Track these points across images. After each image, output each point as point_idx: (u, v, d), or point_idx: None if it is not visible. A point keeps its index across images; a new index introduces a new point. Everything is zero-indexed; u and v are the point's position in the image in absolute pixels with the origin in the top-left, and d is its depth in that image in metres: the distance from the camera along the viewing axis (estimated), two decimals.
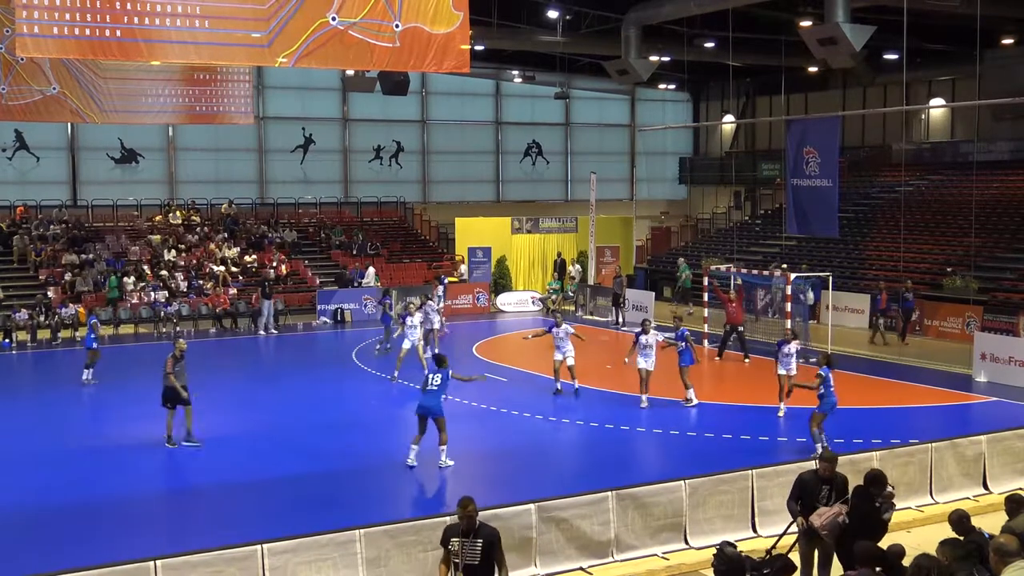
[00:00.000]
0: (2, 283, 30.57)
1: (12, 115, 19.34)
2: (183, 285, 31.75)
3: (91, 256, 32.27)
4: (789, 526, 9.98)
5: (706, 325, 25.87)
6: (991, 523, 9.52)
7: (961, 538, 8.17)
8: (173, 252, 33.72)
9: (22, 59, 17.30)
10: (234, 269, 33.40)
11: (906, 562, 7.74)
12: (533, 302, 34.39)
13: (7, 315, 27.37)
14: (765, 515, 12.15)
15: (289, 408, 19.04)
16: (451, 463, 14.50)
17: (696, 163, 48.62)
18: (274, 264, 33.79)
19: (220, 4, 11.19)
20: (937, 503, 13.21)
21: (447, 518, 10.47)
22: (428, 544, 10.08)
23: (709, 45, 33.71)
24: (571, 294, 33.76)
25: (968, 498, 13.45)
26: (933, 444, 13.62)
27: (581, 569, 11.17)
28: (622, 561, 11.36)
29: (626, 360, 19.14)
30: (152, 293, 30.69)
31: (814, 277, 26.82)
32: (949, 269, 28.93)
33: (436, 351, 20.07)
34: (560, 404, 18.97)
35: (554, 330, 19.78)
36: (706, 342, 24.95)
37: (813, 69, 36.95)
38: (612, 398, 19.46)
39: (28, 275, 31.85)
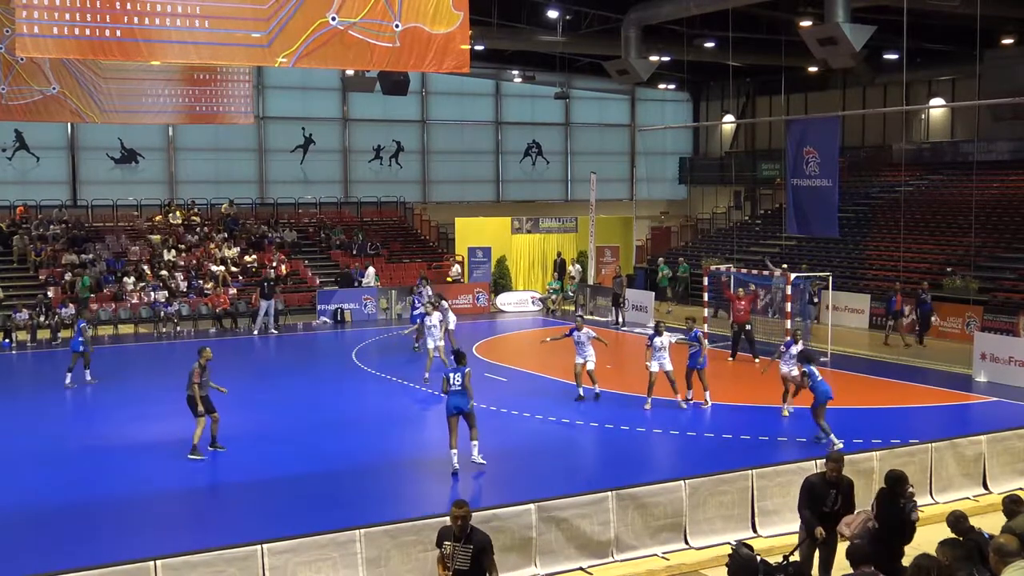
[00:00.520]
0: (2, 283, 30.57)
1: (12, 115, 19.33)
2: (183, 285, 31.75)
3: (91, 256, 32.28)
4: (808, 535, 9.54)
5: (706, 325, 25.85)
6: (991, 523, 9.51)
7: (960, 538, 8.17)
8: (173, 252, 33.73)
9: (22, 59, 17.29)
10: (234, 269, 33.40)
11: (906, 562, 7.74)
12: (533, 302, 34.38)
13: (7, 315, 27.37)
14: (765, 515, 12.16)
15: (289, 408, 19.04)
16: (484, 461, 14.47)
17: (696, 163, 48.63)
18: (274, 264, 33.79)
19: (220, 4, 11.19)
20: (937, 503, 13.20)
21: (447, 518, 10.48)
22: (428, 544, 10.07)
23: (709, 45, 33.71)
24: (571, 294, 33.76)
25: (968, 498, 13.47)
26: (933, 444, 13.62)
27: (581, 569, 11.17)
28: (622, 561, 11.36)
29: (647, 364, 18.66)
30: (152, 293, 30.69)
31: (814, 277, 26.81)
32: (949, 269, 28.93)
33: (456, 348, 19.83)
34: (560, 404, 18.95)
35: (575, 334, 19.16)
36: (706, 342, 24.89)
37: (813, 69, 36.94)
38: (612, 398, 19.43)
39: (28, 275, 31.85)
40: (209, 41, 11.30)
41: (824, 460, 10.33)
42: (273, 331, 28.80)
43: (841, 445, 14.99)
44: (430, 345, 21.47)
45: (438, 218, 41.14)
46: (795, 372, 17.38)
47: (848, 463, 11.68)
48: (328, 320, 31.19)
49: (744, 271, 26.32)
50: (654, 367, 18.34)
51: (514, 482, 14.09)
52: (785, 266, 27.72)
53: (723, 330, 26.12)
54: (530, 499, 11.18)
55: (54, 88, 19.01)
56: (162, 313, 29.54)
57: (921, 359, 23.86)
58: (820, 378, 15.69)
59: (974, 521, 8.76)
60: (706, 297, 26.83)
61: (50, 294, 29.55)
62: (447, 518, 8.80)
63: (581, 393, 19.23)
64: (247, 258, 34.22)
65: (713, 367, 22.79)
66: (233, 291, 31.79)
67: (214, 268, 32.81)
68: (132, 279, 31.21)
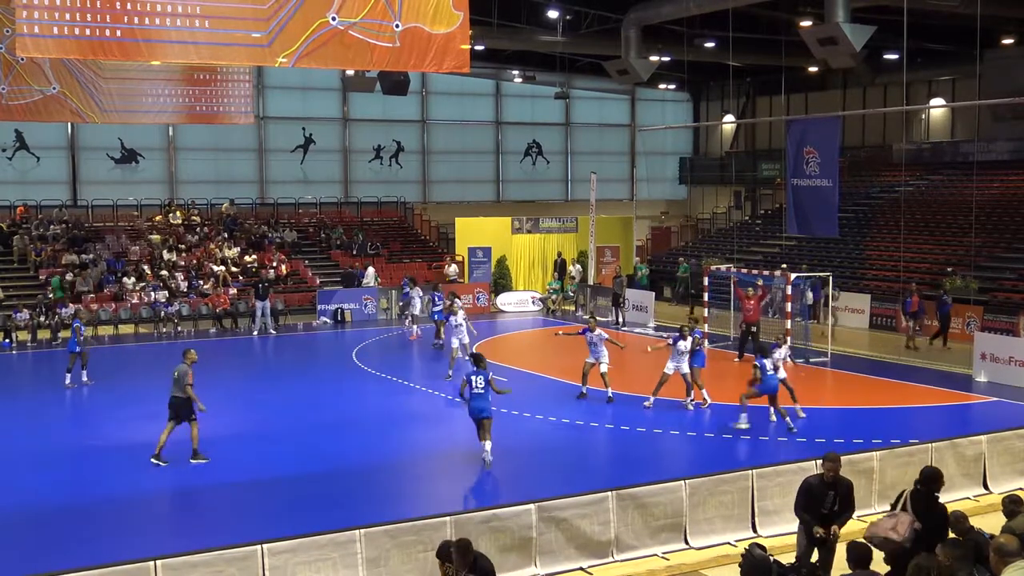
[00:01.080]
0: (2, 283, 30.58)
1: (12, 115, 19.34)
2: (183, 285, 31.75)
3: (91, 256, 32.28)
4: (824, 535, 9.50)
5: (707, 325, 25.84)
6: (991, 523, 9.51)
7: (960, 538, 8.16)
8: (173, 252, 33.73)
9: (22, 59, 17.30)
10: (234, 269, 33.39)
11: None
12: (533, 302, 34.37)
13: (7, 315, 27.36)
14: (765, 515, 12.16)
15: (289, 408, 19.02)
16: (491, 459, 14.44)
17: (696, 163, 48.64)
18: (274, 264, 33.79)
19: (220, 4, 11.19)
20: None
21: (447, 518, 10.49)
22: (428, 544, 10.08)
23: (709, 45, 33.71)
24: (571, 294, 33.76)
25: (968, 498, 13.48)
26: (933, 444, 13.61)
27: (581, 569, 11.17)
28: (622, 561, 11.36)
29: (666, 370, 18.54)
30: (152, 293, 30.69)
31: (814, 277, 26.79)
32: (949, 269, 28.90)
33: (472, 351, 19.72)
34: (561, 404, 18.94)
35: (588, 334, 19.10)
36: (706, 342, 24.88)
37: (813, 69, 36.98)
38: (613, 398, 19.41)
39: (28, 275, 31.85)
40: (209, 41, 11.30)
41: (821, 460, 10.34)
42: (272, 331, 28.79)
43: (747, 427, 16.39)
44: (454, 344, 21.60)
45: (438, 218, 41.15)
46: (782, 374, 17.39)
47: (848, 463, 11.72)
48: (328, 320, 31.19)
49: (744, 271, 26.31)
50: (670, 368, 18.32)
51: (514, 482, 14.08)
52: (784, 266, 27.71)
53: (723, 330, 26.11)
54: (530, 499, 11.18)
55: (54, 88, 19.02)
56: (162, 313, 29.53)
57: (921, 359, 23.85)
58: (771, 373, 16.56)
59: (974, 521, 8.76)
60: (706, 297, 26.80)
61: (50, 295, 29.53)
62: (448, 517, 8.77)
63: (584, 391, 19.23)
64: (247, 258, 34.21)
65: (718, 367, 22.83)
66: (233, 291, 31.78)
67: (214, 268, 32.82)
68: (132, 279, 31.21)
